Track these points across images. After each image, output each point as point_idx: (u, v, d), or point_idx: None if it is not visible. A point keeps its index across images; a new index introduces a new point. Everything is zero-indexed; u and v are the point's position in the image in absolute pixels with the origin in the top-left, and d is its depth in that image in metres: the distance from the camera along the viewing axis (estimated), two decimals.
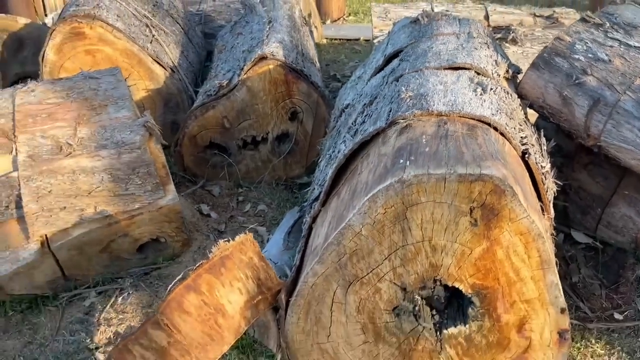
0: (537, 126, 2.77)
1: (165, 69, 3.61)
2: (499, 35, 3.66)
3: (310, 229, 2.19)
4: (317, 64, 3.93)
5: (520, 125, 2.13)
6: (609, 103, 2.13)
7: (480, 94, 2.10)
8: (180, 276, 1.71)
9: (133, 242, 2.55)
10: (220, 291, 1.80)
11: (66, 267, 2.48)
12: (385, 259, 1.80)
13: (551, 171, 2.12)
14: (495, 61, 2.38)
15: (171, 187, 2.49)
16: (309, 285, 1.87)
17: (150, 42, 3.66)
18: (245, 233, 1.81)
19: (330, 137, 2.73)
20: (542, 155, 2.13)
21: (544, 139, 2.22)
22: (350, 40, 5.95)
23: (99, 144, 2.35)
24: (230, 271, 1.79)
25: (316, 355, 1.93)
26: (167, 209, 2.50)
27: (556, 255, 2.70)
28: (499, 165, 1.70)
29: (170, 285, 1.68)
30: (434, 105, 2.01)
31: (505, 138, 1.96)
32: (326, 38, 5.98)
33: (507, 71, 2.39)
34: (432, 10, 3.99)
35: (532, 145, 2.07)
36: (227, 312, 1.85)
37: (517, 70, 2.48)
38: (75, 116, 2.35)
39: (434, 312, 1.91)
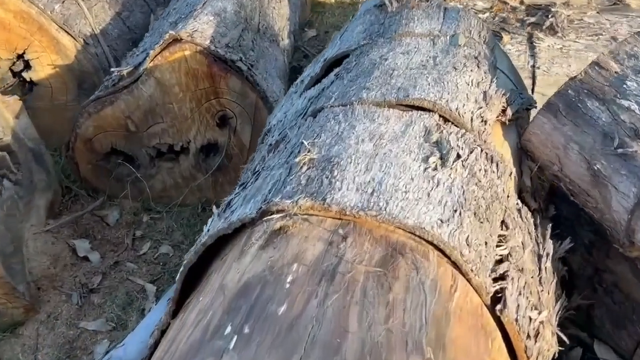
0: None
1: (75, 39, 2.73)
2: (532, 20, 2.59)
3: (157, 345, 1.36)
4: (285, 41, 2.97)
5: (504, 229, 1.19)
6: None
7: (434, 169, 1.16)
8: None
9: None
10: None
11: None
12: None
13: (555, 318, 1.19)
14: (484, 93, 1.41)
15: None
16: None
17: (62, 2, 2.77)
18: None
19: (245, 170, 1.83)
20: (538, 284, 1.19)
21: (549, 244, 1.28)
22: None
23: None
24: None
25: None
26: None
27: None
28: None
29: None
30: (339, 189, 1.09)
31: (460, 271, 1.03)
32: None
33: (504, 111, 1.41)
34: None
35: (519, 270, 1.13)
36: None
37: (528, 105, 1.50)
38: None
39: None
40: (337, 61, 1.77)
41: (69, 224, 2.29)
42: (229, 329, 0.89)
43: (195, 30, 2.26)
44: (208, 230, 1.30)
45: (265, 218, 1.12)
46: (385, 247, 1.00)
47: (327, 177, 1.13)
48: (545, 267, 1.23)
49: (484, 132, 1.31)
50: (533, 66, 2.41)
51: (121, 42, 3.07)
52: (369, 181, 1.12)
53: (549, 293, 1.22)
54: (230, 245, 1.22)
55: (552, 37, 2.51)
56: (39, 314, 1.95)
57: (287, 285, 0.93)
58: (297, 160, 1.20)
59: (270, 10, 2.92)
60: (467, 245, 1.05)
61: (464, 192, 1.14)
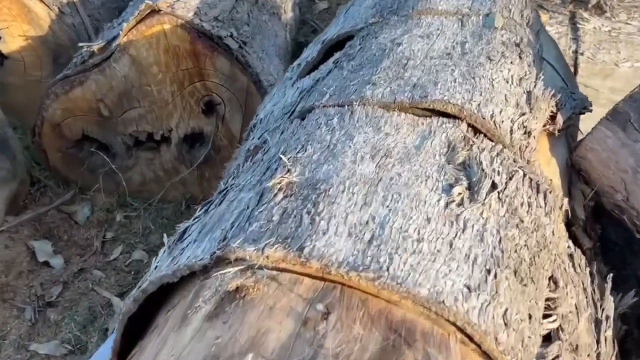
0: None
1: (49, 7, 2.41)
2: None
3: None
4: (288, 14, 2.63)
5: (552, 287, 0.86)
6: None
7: (460, 204, 0.83)
8: None
9: None
10: None
11: None
12: None
13: None
14: (528, 94, 1.06)
15: None
16: None
17: None
18: None
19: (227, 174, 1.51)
20: None
21: (609, 303, 0.95)
22: None
23: None
24: None
25: None
26: None
27: None
28: None
29: None
30: (324, 234, 0.77)
31: None
32: None
33: (554, 117, 1.07)
34: None
35: (573, 350, 0.81)
36: None
37: (582, 108, 1.15)
38: None
39: None
40: (340, 43, 1.44)
41: (30, 222, 1.99)
42: None
43: (178, 0, 1.93)
44: (155, 268, 1.00)
45: (219, 270, 0.81)
46: (385, 330, 0.68)
47: (308, 213, 0.81)
48: (605, 337, 0.91)
49: (527, 148, 0.97)
50: (575, 52, 2.04)
51: (105, 11, 2.74)
52: (367, 222, 0.79)
53: None
54: (178, 295, 0.91)
55: (599, 18, 2.13)
56: None
57: None
58: (270, 183, 0.88)
59: None
60: (505, 324, 0.73)
61: (500, 239, 0.81)
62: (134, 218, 2.11)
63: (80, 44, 2.08)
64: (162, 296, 0.94)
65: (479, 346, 0.71)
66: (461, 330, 0.71)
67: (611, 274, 1.00)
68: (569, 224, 1.06)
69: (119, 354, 1.03)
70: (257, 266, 0.77)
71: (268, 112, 1.44)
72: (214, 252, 0.82)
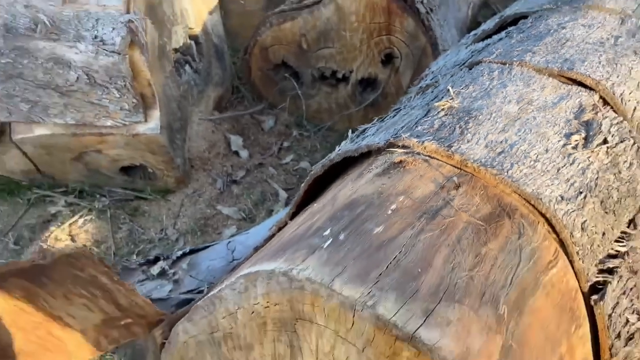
0: None
1: None
2: None
3: (271, 238, 1.53)
4: None
5: (631, 228, 1.13)
6: None
7: (574, 147, 1.12)
8: None
9: (111, 161, 2.09)
10: (50, 302, 1.28)
11: (38, 163, 2.13)
12: None
13: None
14: None
15: (155, 113, 1.92)
16: (181, 341, 1.25)
17: None
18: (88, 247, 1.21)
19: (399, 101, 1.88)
20: None
21: None
22: None
23: (78, 33, 1.84)
24: (60, 284, 1.24)
25: None
26: (145, 138, 1.96)
27: None
28: (472, 327, 0.83)
29: None
30: (468, 141, 1.11)
31: (565, 252, 1.01)
32: None
33: None
34: None
35: (632, 272, 1.08)
36: (68, 324, 1.33)
37: None
38: None
39: None
40: (515, 21, 1.72)
41: (229, 119, 2.52)
42: (327, 232, 0.98)
43: None
44: (339, 150, 1.39)
45: (389, 149, 1.18)
46: (495, 205, 1.01)
47: (460, 127, 1.15)
48: None
49: None
50: None
51: None
52: (501, 141, 1.11)
53: None
54: (354, 169, 1.30)
55: None
56: (187, 187, 2.21)
57: (389, 212, 0.99)
58: (437, 104, 1.23)
59: None
60: (582, 229, 1.02)
61: (597, 177, 1.09)
62: (306, 137, 2.57)
63: None
64: (333, 178, 1.34)
65: (557, 235, 1.01)
66: (548, 222, 1.02)
67: None
68: None
69: (299, 205, 1.45)
70: (416, 152, 1.13)
71: (440, 65, 1.77)
72: (388, 140, 1.19)
